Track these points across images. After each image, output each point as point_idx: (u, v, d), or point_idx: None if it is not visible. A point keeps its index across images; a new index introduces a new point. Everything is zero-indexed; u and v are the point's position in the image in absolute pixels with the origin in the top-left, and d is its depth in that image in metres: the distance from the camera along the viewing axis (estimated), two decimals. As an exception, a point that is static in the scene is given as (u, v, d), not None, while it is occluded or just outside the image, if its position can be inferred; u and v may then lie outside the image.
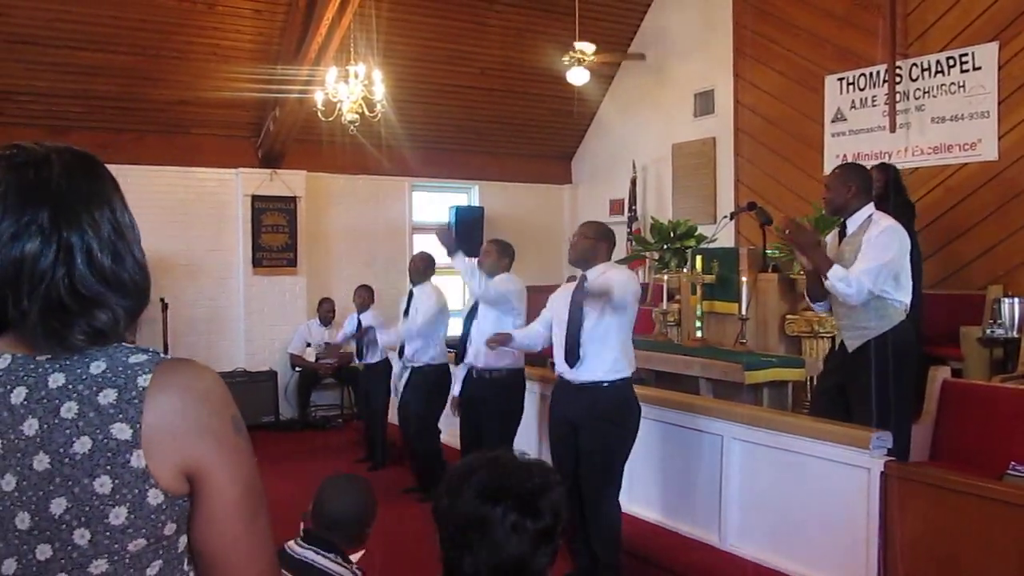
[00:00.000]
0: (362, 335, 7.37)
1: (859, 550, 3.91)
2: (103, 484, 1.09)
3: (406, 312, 6.39)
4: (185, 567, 1.19)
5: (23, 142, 1.19)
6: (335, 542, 2.60)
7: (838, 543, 4.01)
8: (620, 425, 4.34)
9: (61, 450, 1.09)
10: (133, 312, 1.19)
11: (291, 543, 2.61)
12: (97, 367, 1.13)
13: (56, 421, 1.10)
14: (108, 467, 1.09)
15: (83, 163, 1.20)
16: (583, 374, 4.35)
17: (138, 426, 1.10)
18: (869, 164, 5.78)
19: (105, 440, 1.09)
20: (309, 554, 2.56)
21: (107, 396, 1.11)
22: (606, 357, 4.31)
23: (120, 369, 1.13)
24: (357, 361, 7.53)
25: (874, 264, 4.10)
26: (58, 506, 1.08)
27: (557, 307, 4.58)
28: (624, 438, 4.37)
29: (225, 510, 1.16)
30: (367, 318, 7.46)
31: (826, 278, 4.16)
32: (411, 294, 6.45)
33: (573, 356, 4.36)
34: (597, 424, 4.29)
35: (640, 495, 4.97)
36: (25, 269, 1.11)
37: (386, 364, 7.25)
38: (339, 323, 9.30)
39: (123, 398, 1.11)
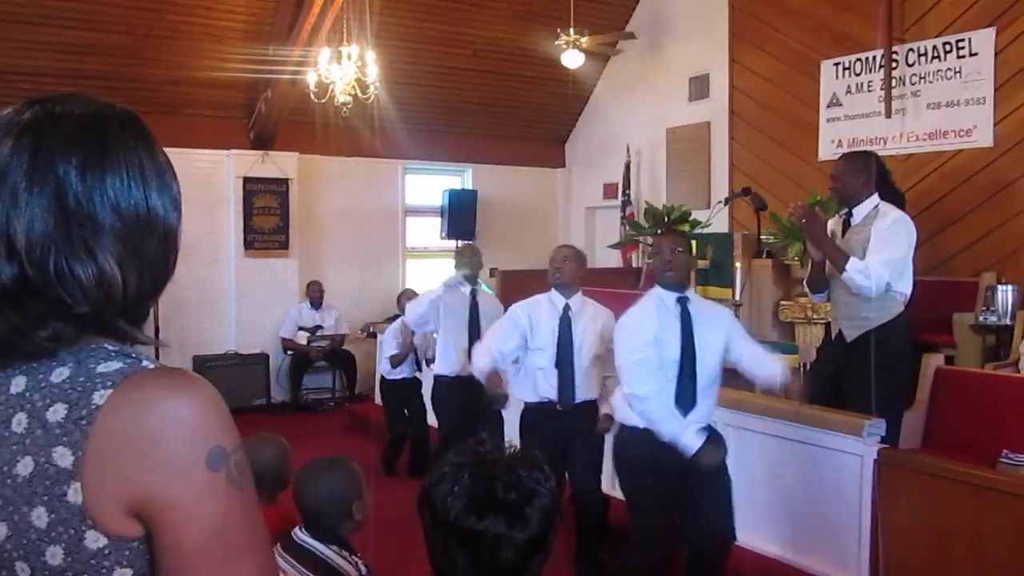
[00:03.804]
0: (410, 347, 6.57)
1: (852, 536, 3.92)
2: (39, 516, 0.91)
3: (472, 320, 5.59)
4: None
5: (31, 101, 1.02)
6: (332, 531, 2.57)
7: (831, 529, 4.02)
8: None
9: (5, 468, 0.92)
10: (89, 319, 0.97)
11: (297, 530, 2.58)
12: (59, 374, 0.95)
13: (6, 434, 0.93)
14: (45, 497, 0.91)
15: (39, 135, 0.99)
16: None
17: (80, 453, 0.90)
18: (862, 150, 5.75)
19: (46, 465, 0.91)
20: (316, 544, 2.52)
21: (56, 412, 0.92)
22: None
23: (81, 380, 0.94)
24: (418, 372, 6.66)
25: (891, 256, 4.10)
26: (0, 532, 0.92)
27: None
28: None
29: (178, 562, 0.92)
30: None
31: (843, 270, 4.11)
32: (474, 299, 5.64)
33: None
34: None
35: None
36: None
37: (415, 381, 6.68)
38: (329, 305, 9.29)
39: (71, 416, 0.92)
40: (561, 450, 4.37)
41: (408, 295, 6.60)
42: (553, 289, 4.51)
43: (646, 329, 3.64)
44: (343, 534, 2.59)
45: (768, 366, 3.74)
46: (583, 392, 4.44)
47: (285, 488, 2.84)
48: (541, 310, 4.49)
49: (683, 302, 3.66)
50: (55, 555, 0.91)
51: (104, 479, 0.91)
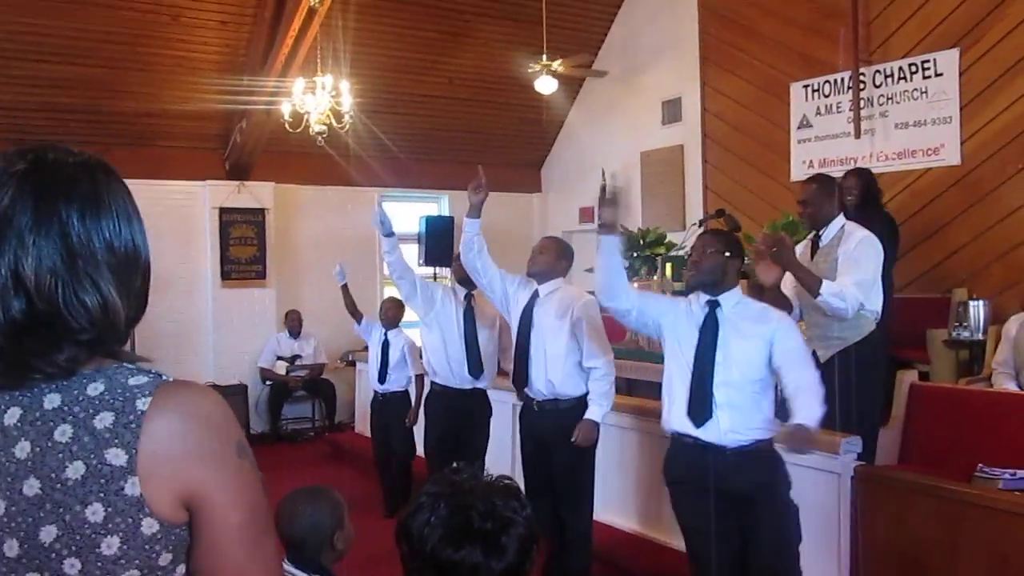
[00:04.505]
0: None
1: (831, 552, 3.94)
2: (95, 512, 1.04)
3: (467, 328, 5.34)
4: None
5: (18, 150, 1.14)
6: (314, 560, 2.56)
7: (810, 545, 4.02)
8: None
9: (53, 475, 1.04)
10: (94, 344, 1.10)
11: (283, 560, 2.57)
12: (95, 389, 1.08)
13: (49, 444, 1.05)
14: (101, 494, 1.04)
15: (32, 178, 1.11)
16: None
17: (134, 452, 1.05)
18: (838, 170, 5.83)
19: (99, 466, 1.04)
20: (298, 573, 2.51)
21: (103, 420, 1.06)
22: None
23: (119, 391, 1.08)
24: (378, 386, 6.47)
25: (862, 277, 4.11)
26: (48, 534, 1.03)
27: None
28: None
29: (227, 536, 1.10)
30: (397, 338, 6.47)
31: (817, 294, 4.04)
32: (469, 304, 5.34)
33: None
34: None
35: (614, 504, 4.98)
36: None
37: (404, 396, 6.40)
38: (308, 334, 9.26)
39: (120, 422, 1.06)
40: (541, 458, 4.31)
41: (392, 302, 6.48)
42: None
43: (677, 311, 3.59)
44: (325, 564, 2.58)
45: (796, 401, 3.32)
46: (544, 383, 4.31)
47: None
48: (521, 292, 4.52)
49: (712, 305, 3.47)
50: (111, 545, 1.05)
51: (157, 473, 1.06)
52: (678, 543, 4.66)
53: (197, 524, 1.10)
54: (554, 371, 4.29)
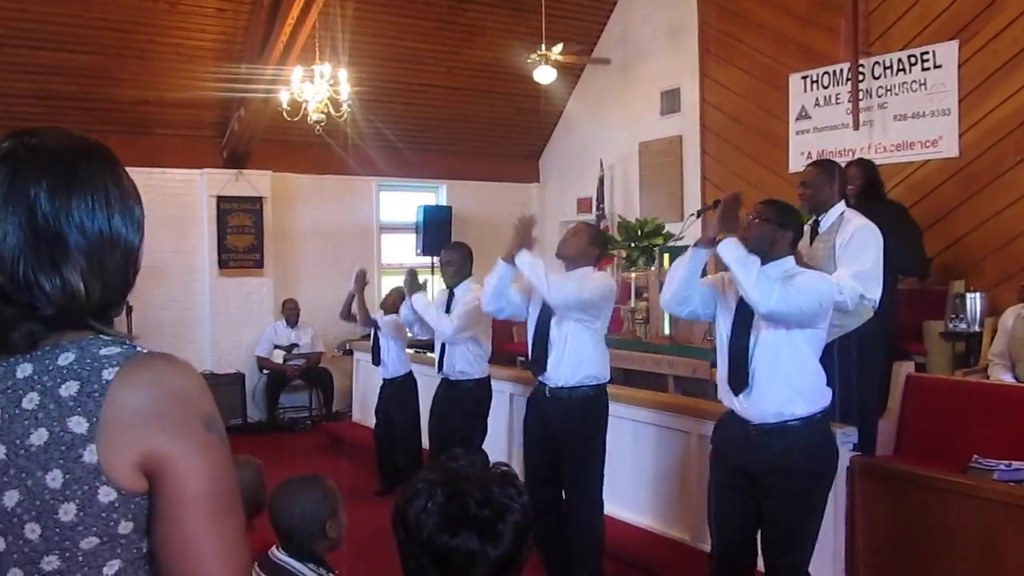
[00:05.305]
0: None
1: (826, 542, 3.94)
2: (54, 478, 1.05)
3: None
4: (150, 568, 1.13)
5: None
6: (307, 549, 2.57)
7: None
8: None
9: (18, 441, 1.06)
10: (56, 321, 1.12)
11: (274, 549, 2.58)
12: (65, 359, 1.10)
13: (17, 412, 1.07)
14: (61, 461, 1.06)
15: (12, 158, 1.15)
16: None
17: (95, 420, 1.06)
18: (840, 160, 5.80)
19: (61, 433, 1.06)
20: (292, 562, 2.52)
21: (69, 388, 1.08)
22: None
23: (88, 361, 1.10)
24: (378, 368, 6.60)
25: (861, 269, 4.08)
26: (10, 499, 1.06)
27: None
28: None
29: (182, 507, 1.09)
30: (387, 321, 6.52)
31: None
32: (452, 293, 5.48)
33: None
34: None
35: (616, 496, 4.98)
36: None
37: (408, 379, 6.52)
38: (305, 323, 9.26)
39: (84, 391, 1.08)
40: (551, 448, 4.25)
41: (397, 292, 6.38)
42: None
43: (725, 286, 3.56)
44: (318, 552, 2.59)
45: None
46: (560, 371, 4.21)
47: (261, 512, 2.83)
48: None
49: None
50: (68, 512, 1.06)
51: (117, 441, 1.07)
52: (672, 531, 4.70)
53: (155, 493, 1.09)
54: (572, 358, 4.21)
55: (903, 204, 6.01)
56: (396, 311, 6.31)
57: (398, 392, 6.48)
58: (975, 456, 4.22)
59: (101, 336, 1.14)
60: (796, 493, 3.30)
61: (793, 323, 3.26)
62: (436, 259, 9.33)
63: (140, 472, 1.08)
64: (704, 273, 3.66)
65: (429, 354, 6.24)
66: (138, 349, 1.14)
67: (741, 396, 3.37)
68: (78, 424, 1.06)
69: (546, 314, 4.31)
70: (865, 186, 5.50)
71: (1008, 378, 5.42)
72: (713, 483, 3.56)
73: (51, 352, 1.11)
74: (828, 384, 3.44)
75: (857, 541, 3.91)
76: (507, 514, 1.54)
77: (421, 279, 5.51)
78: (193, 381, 1.15)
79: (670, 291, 3.61)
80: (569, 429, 4.21)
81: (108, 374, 1.09)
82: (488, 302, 4.48)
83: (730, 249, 3.31)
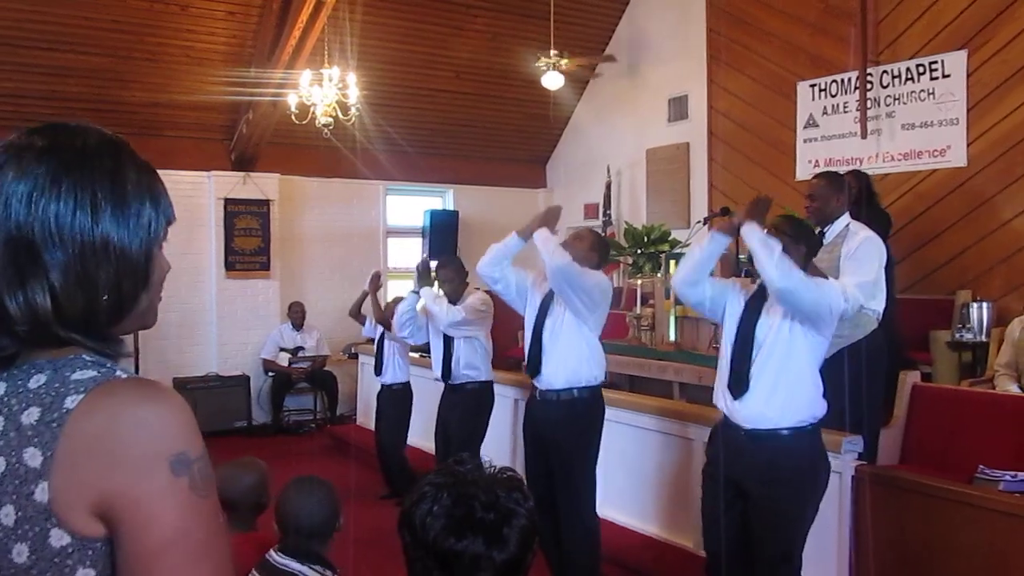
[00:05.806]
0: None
1: (831, 552, 3.94)
2: (7, 514, 0.95)
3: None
4: None
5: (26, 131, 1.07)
6: (311, 550, 2.57)
7: (810, 545, 4.02)
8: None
9: None
10: (29, 340, 1.01)
11: (272, 551, 2.58)
12: (36, 381, 0.99)
13: None
14: (14, 496, 0.95)
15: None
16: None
17: (49, 454, 0.94)
18: (842, 170, 5.82)
19: (16, 464, 0.95)
20: (290, 563, 2.52)
21: (30, 415, 0.97)
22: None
23: (56, 386, 0.98)
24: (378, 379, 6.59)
25: (864, 279, 4.10)
26: None
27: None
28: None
29: (139, 560, 0.94)
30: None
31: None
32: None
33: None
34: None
35: (615, 500, 4.98)
36: None
37: (406, 388, 6.49)
38: (311, 326, 9.28)
39: (44, 419, 0.96)
40: (543, 451, 4.25)
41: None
42: None
43: (736, 290, 3.60)
44: (321, 553, 2.60)
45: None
46: (554, 374, 4.23)
47: (263, 512, 2.83)
48: (541, 281, 4.40)
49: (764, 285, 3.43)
50: (21, 553, 0.95)
51: (71, 479, 0.94)
52: (676, 538, 4.69)
53: (114, 540, 0.96)
54: (563, 361, 4.23)
55: (890, 216, 5.97)
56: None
57: (392, 399, 6.45)
58: (981, 466, 4.20)
59: (84, 356, 1.02)
60: (782, 503, 3.35)
61: (802, 310, 3.30)
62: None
63: (95, 516, 0.95)
64: (712, 274, 3.68)
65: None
66: (117, 374, 1.02)
67: (736, 400, 3.40)
68: (32, 457, 0.95)
69: (542, 316, 4.33)
70: (858, 196, 5.54)
71: (1014, 389, 5.40)
72: (704, 493, 3.61)
73: (26, 371, 1.01)
74: (834, 394, 3.44)
75: (861, 549, 3.90)
76: (513, 518, 1.54)
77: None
78: (167, 415, 0.99)
79: (682, 271, 3.66)
80: (557, 432, 4.22)
81: (71, 402, 0.97)
82: (485, 264, 4.45)
83: (753, 231, 3.37)
